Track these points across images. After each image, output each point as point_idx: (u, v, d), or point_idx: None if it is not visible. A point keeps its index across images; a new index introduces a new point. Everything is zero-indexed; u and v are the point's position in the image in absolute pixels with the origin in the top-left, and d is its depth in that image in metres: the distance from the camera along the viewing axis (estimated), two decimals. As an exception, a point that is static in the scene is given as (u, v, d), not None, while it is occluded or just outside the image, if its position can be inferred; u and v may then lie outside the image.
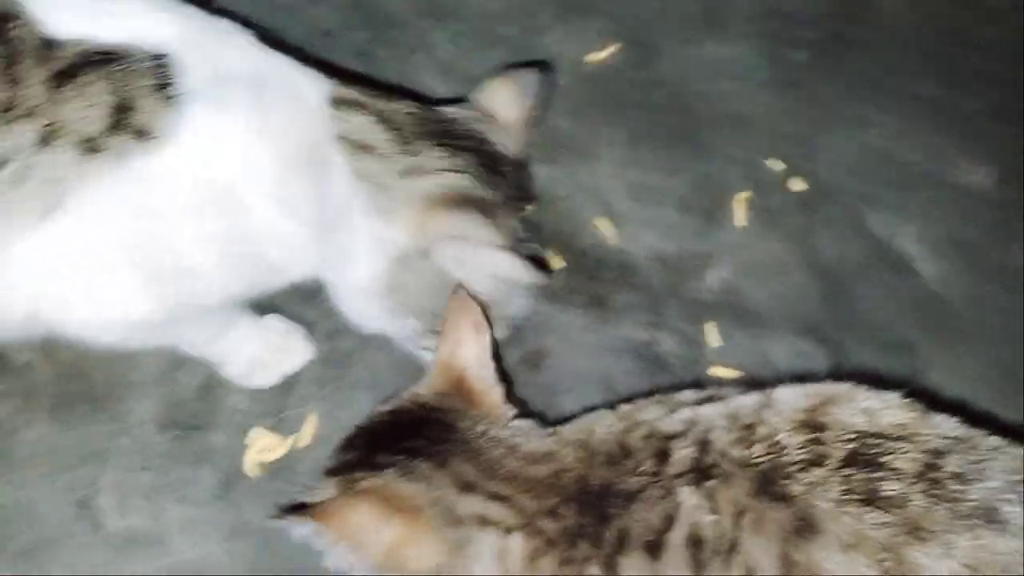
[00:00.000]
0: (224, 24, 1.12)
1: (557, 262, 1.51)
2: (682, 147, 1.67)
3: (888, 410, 0.90)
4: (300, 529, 0.91)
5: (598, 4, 1.86)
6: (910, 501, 0.83)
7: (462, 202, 1.13)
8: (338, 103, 1.13)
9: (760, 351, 1.44)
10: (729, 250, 1.55)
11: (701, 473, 0.89)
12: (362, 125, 1.12)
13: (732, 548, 0.85)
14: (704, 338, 1.45)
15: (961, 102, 1.81)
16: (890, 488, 0.84)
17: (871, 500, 0.84)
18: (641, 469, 0.91)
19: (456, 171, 1.14)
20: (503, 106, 1.27)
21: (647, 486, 0.90)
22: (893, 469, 0.85)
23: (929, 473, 0.85)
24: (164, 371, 1.33)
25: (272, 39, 1.18)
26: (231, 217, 1.05)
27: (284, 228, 1.08)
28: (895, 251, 1.56)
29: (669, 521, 0.88)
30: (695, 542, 0.86)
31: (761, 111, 1.75)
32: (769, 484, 0.86)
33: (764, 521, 0.85)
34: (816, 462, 0.87)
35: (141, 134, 1.00)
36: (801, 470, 0.86)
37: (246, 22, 1.21)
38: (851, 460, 0.86)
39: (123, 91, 0.99)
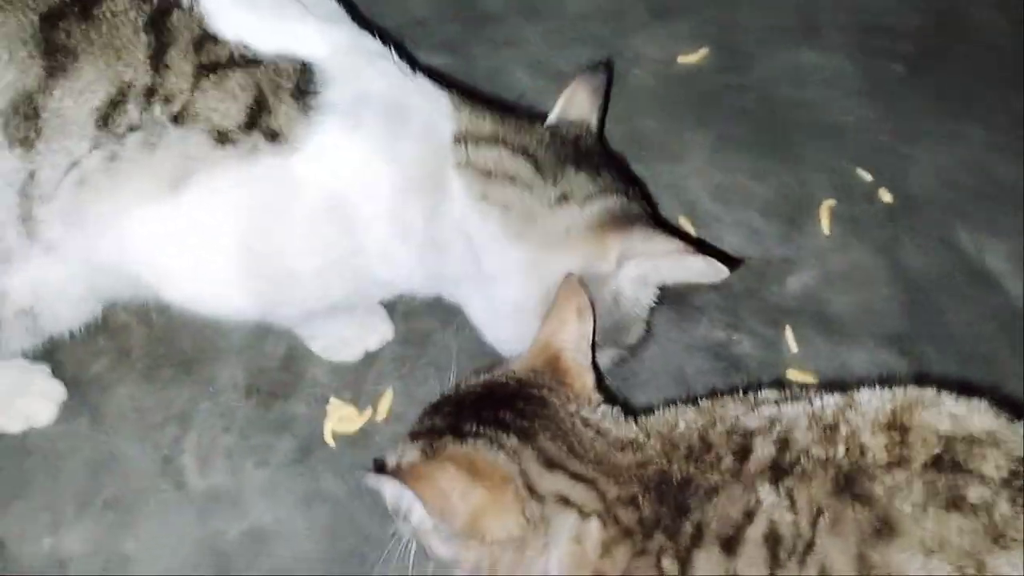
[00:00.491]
0: (375, 44, 1.14)
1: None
2: (769, 152, 1.67)
3: (975, 415, 0.89)
4: (387, 488, 0.94)
5: (690, 7, 1.87)
6: (995, 508, 0.82)
7: (626, 220, 1.14)
8: (476, 139, 1.13)
9: (839, 358, 1.42)
10: (812, 257, 1.53)
11: (781, 470, 0.89)
12: (501, 157, 1.13)
13: (808, 547, 0.85)
14: (782, 342, 1.44)
15: (1058, 120, 1.77)
16: (976, 494, 0.83)
17: (955, 505, 0.83)
18: (722, 465, 0.91)
19: (607, 193, 1.15)
20: (588, 111, 1.27)
21: (728, 482, 0.90)
22: (979, 475, 0.84)
23: (1015, 481, 0.84)
24: (250, 340, 1.37)
25: (365, 24, 1.21)
26: (343, 231, 1.08)
27: (393, 249, 1.11)
28: (983, 267, 1.53)
29: (748, 517, 0.87)
30: (773, 539, 0.86)
31: (852, 120, 1.73)
32: (850, 484, 0.86)
33: (842, 521, 0.85)
34: (899, 464, 0.86)
35: (274, 136, 1.03)
36: (883, 472, 0.86)
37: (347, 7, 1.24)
38: (936, 464, 0.85)
39: (264, 92, 1.02)
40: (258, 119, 1.03)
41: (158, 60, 1.00)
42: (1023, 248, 1.56)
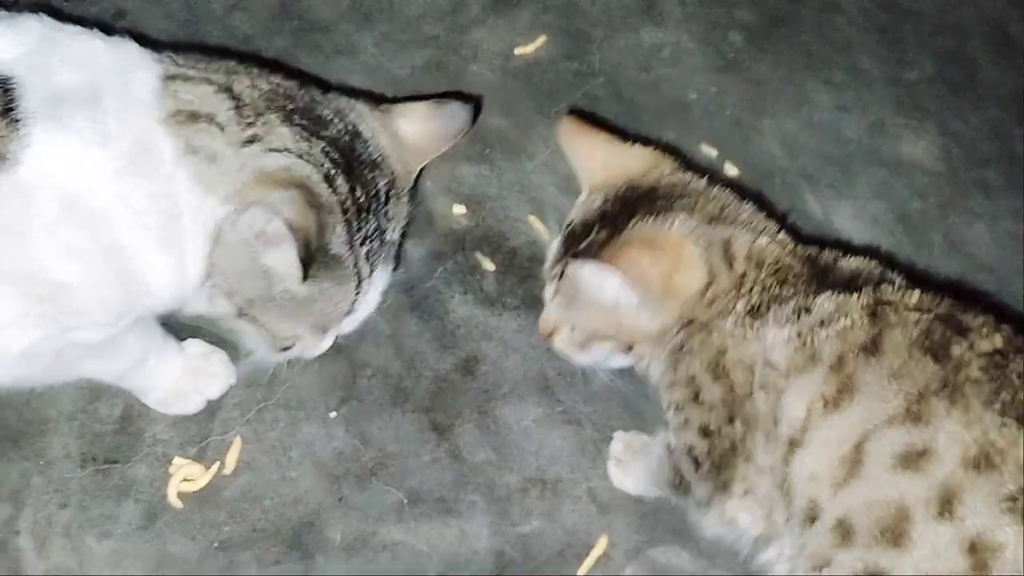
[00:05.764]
0: (68, 28, 1.08)
1: (488, 265, 1.47)
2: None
3: None
4: (586, 273, 1.12)
5: (527, -6, 1.82)
6: None
7: (291, 184, 1.05)
8: (178, 78, 1.07)
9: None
10: (666, 241, 1.50)
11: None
12: (203, 95, 1.06)
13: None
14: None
15: (902, 73, 1.78)
16: None
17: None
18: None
19: (298, 155, 1.07)
20: (415, 133, 1.22)
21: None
22: None
23: None
24: (82, 404, 1.28)
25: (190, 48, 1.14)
26: (88, 229, 1.01)
27: (145, 247, 1.04)
28: (831, 229, 1.53)
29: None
30: None
31: (698, 96, 1.71)
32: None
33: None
34: None
35: None
36: None
37: (161, 38, 1.13)
38: None
39: None
40: None
41: None
42: (872, 207, 1.56)
